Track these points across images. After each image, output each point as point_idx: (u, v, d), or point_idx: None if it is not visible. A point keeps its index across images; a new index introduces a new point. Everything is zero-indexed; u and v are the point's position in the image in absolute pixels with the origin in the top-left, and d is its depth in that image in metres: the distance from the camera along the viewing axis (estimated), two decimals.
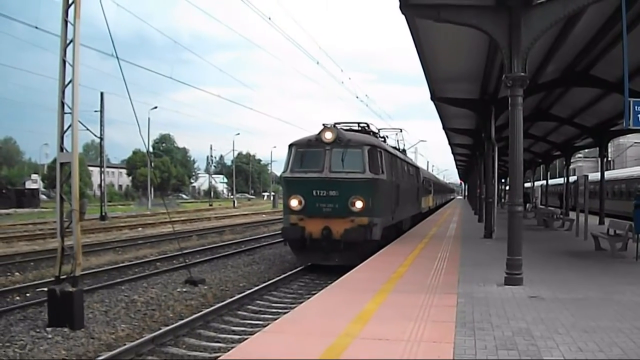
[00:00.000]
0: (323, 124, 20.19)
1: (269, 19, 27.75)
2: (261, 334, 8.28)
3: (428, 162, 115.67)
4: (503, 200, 52.81)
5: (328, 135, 19.21)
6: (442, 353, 7.19)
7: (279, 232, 24.42)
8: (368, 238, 18.67)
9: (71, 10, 12.47)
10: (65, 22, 12.56)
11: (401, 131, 32.57)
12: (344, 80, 72.91)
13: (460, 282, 12.63)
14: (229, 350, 7.62)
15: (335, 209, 18.70)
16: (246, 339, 8.80)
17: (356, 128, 22.83)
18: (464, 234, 26.42)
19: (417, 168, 36.45)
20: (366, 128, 23.12)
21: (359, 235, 18.34)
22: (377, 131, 24.47)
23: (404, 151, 32.58)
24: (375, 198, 19.08)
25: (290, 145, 20.01)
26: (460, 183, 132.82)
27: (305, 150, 19.67)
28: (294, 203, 19.06)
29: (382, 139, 25.02)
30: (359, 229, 18.43)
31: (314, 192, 18.87)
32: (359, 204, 18.54)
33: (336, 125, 21.32)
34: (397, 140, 31.88)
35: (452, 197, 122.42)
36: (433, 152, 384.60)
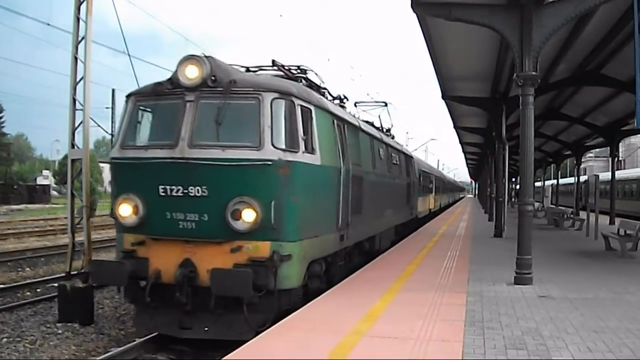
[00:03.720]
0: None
1: (280, 16, 27.84)
2: (271, 332, 8.29)
3: (439, 160, 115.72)
4: (514, 199, 52.59)
5: (191, 72, 9.99)
6: (451, 352, 7.19)
7: None
8: (270, 286, 9.55)
9: (83, 7, 12.56)
10: (78, 19, 12.64)
11: (386, 105, 22.48)
12: (355, 78, 72.88)
13: (470, 280, 12.61)
14: (238, 347, 7.63)
15: (204, 223, 9.69)
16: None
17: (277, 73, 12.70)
18: (474, 233, 26.34)
19: (409, 157, 26.52)
20: (295, 73, 13.00)
21: (243, 283, 9.15)
22: (321, 84, 13.91)
23: (388, 131, 22.74)
24: (289, 201, 9.85)
25: (128, 97, 10.91)
26: (471, 182, 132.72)
27: (149, 105, 10.71)
28: (125, 210, 10.11)
29: (340, 103, 15.23)
30: (247, 270, 9.30)
31: (161, 190, 9.76)
32: (248, 215, 9.54)
33: (250, 70, 12.43)
34: (379, 116, 22.45)
35: (462, 195, 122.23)
36: (444, 151, 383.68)
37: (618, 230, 19.61)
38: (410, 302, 10.19)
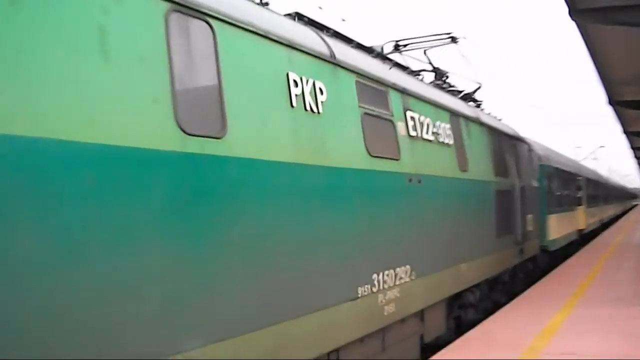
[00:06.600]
0: None
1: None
2: (446, 351, 8.40)
3: (609, 167, 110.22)
4: None
5: None
6: None
7: None
8: None
9: None
10: None
11: (453, 40, 11.74)
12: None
13: None
14: None
15: None
16: None
17: None
18: None
19: (512, 139, 14.80)
20: None
21: None
22: None
23: (443, 78, 12.13)
24: None
25: None
26: None
27: None
28: None
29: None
30: None
31: None
32: None
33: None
34: (425, 52, 11.91)
35: (635, 203, 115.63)
36: (614, 159, 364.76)
37: None
38: (587, 317, 9.97)
